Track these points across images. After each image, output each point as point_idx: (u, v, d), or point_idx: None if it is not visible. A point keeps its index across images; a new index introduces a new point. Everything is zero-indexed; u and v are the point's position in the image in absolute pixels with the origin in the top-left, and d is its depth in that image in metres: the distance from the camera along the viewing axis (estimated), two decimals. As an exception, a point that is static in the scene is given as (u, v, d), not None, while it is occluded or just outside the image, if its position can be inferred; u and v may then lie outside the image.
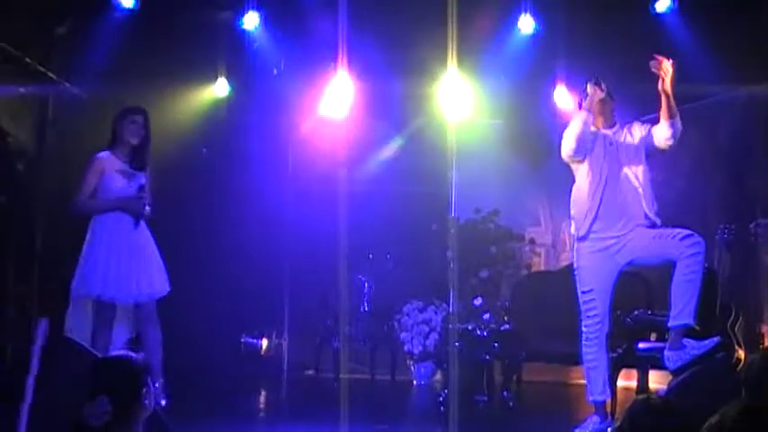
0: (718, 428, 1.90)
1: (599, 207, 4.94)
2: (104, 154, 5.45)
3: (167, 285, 5.47)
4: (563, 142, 5.07)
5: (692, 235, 4.79)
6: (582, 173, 5.06)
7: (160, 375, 5.22)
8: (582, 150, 5.01)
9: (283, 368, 8.50)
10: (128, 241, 5.33)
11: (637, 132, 5.08)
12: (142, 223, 5.41)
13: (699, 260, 4.73)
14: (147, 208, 5.45)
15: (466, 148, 7.05)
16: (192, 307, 7.23)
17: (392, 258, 8.14)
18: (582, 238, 5.00)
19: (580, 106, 5.11)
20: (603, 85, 5.03)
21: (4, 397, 3.42)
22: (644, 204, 4.94)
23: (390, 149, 8.47)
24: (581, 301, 4.99)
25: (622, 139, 5.06)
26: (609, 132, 5.07)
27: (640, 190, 4.95)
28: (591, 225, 4.95)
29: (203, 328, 7.58)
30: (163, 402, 5.03)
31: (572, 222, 5.17)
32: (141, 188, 5.37)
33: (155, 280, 5.40)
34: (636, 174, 4.98)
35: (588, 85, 5.06)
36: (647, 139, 5.02)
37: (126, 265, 5.28)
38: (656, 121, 5.06)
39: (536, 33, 7.45)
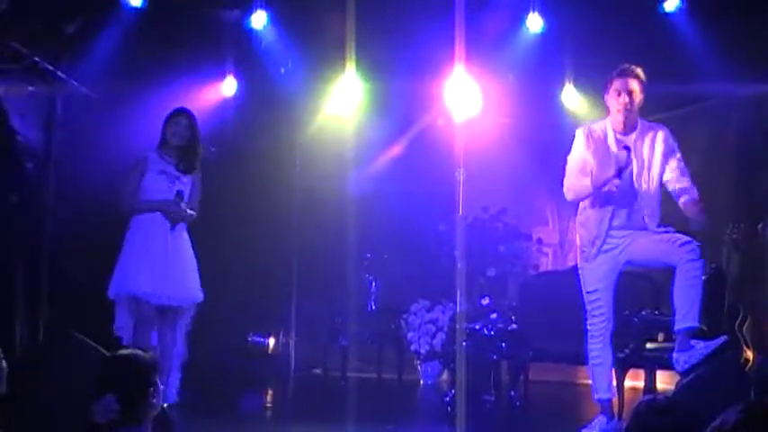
0: (720, 431, 1.89)
1: (607, 231, 4.86)
2: (151, 154, 5.50)
3: (200, 294, 5.50)
4: (564, 190, 4.98)
5: (690, 242, 4.73)
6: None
7: (166, 379, 5.22)
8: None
9: (290, 367, 8.51)
10: (163, 244, 5.35)
11: (660, 146, 4.87)
12: (180, 227, 5.43)
13: (698, 266, 4.68)
14: (191, 212, 5.47)
15: (473, 147, 7.05)
16: (200, 305, 7.23)
17: (396, 257, 8.13)
18: (588, 260, 4.95)
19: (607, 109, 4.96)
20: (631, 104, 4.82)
21: (11, 395, 3.43)
22: (646, 219, 4.86)
23: (398, 148, 8.46)
24: (586, 300, 4.97)
25: (642, 148, 4.88)
26: (627, 140, 4.89)
27: (648, 201, 4.86)
28: (599, 250, 4.89)
29: (210, 326, 7.58)
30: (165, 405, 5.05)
31: (577, 236, 5.12)
32: (179, 194, 5.39)
33: (189, 287, 5.42)
34: (647, 185, 4.86)
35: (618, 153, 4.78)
36: (666, 167, 4.90)
37: (161, 268, 5.30)
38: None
39: (544, 32, 7.43)
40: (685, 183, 4.90)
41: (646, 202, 4.87)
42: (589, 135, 4.96)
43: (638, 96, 4.85)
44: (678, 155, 4.93)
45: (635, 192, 4.87)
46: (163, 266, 5.30)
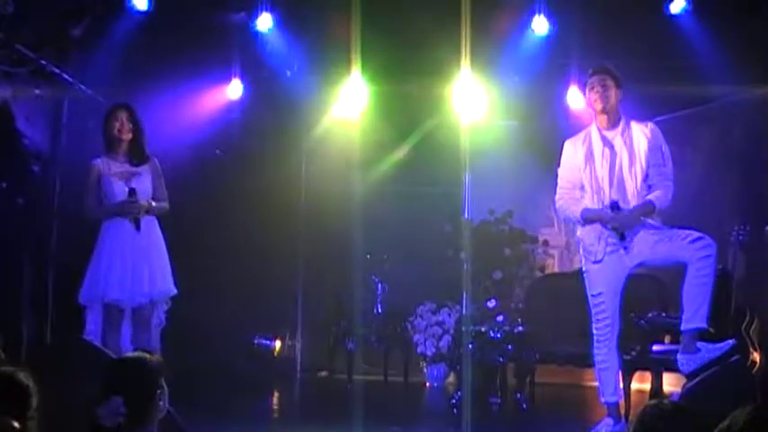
0: (728, 432, 1.89)
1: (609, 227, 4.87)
2: (98, 160, 5.49)
3: (171, 287, 5.48)
4: (557, 206, 5.09)
5: (702, 237, 4.73)
6: (586, 195, 4.99)
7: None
8: None
9: (296, 369, 8.51)
10: (130, 245, 5.35)
11: (646, 139, 4.89)
12: (147, 225, 5.42)
13: (710, 263, 4.66)
14: (156, 205, 5.47)
15: (479, 149, 7.05)
16: (206, 307, 7.25)
17: (402, 260, 8.13)
18: (594, 261, 4.94)
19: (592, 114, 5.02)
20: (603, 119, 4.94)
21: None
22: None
23: (404, 151, 8.46)
24: (591, 303, 4.95)
25: (627, 142, 4.92)
26: (611, 135, 4.95)
27: (640, 194, 4.87)
28: (605, 248, 4.88)
29: (216, 328, 7.60)
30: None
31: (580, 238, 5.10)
32: (132, 191, 5.38)
33: (157, 282, 5.41)
34: (636, 178, 4.88)
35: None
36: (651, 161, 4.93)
37: (129, 269, 5.31)
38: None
39: (550, 34, 7.42)
40: (659, 183, 4.91)
41: (637, 194, 4.88)
42: (575, 142, 5.06)
43: (614, 89, 4.94)
44: (663, 152, 4.94)
45: (626, 186, 4.89)
46: (131, 268, 5.31)
